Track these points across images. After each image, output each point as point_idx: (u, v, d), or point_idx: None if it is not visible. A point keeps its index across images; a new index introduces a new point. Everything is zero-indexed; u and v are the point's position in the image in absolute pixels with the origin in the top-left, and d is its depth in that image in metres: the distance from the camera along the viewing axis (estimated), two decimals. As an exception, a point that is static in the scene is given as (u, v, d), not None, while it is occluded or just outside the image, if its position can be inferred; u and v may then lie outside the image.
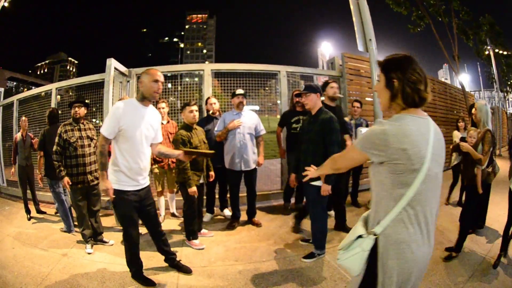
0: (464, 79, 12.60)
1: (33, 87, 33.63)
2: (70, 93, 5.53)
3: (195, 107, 3.10)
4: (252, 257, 2.81)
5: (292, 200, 4.20)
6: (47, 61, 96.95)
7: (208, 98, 3.96)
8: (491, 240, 3.08)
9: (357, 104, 4.25)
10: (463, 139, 4.39)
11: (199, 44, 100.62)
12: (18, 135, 4.50)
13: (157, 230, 2.46)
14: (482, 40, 13.46)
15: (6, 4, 6.78)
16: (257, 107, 5.05)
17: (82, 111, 3.23)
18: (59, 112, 4.11)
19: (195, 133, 3.13)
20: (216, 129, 3.62)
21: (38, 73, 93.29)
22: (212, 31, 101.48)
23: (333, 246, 2.94)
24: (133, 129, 2.13)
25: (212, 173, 3.41)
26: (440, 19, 11.29)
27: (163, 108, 3.80)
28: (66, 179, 3.04)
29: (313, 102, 2.74)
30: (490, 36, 12.85)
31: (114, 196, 2.15)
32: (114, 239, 3.24)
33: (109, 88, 3.79)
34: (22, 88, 35.29)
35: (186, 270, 2.53)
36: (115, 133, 2.10)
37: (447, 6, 11.12)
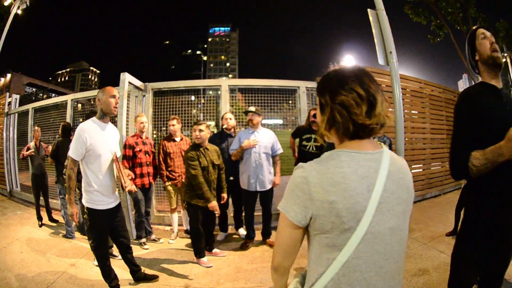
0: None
1: (53, 94, 34.74)
2: (92, 103, 5.54)
3: (201, 126, 2.93)
4: (262, 280, 2.68)
5: None
6: (68, 70, 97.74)
7: (225, 113, 3.86)
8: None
9: None
10: None
11: (222, 57, 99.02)
12: (31, 145, 4.56)
13: (125, 245, 2.51)
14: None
15: (19, 12, 6.98)
16: (280, 121, 4.94)
17: None
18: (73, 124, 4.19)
19: (206, 153, 3.00)
20: (231, 148, 3.51)
21: (59, 80, 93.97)
22: (235, 44, 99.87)
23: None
24: (100, 147, 2.19)
25: (224, 195, 3.27)
26: (458, 27, 11.13)
27: (173, 125, 3.66)
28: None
29: None
30: (507, 42, 12.37)
31: (85, 217, 2.21)
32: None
33: (123, 103, 3.70)
34: (42, 95, 36.44)
35: (152, 277, 2.65)
36: (83, 155, 2.15)
37: (465, 14, 10.94)
